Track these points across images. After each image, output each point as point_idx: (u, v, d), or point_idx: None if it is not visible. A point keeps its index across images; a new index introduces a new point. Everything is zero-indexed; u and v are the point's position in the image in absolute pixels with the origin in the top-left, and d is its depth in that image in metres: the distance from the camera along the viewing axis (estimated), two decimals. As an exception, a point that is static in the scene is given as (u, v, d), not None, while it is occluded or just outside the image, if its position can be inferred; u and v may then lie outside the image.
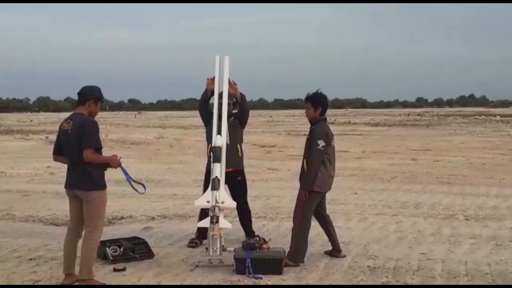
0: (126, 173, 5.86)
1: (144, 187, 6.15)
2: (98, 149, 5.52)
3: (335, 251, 6.68)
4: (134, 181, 5.93)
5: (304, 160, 6.43)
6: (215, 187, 6.26)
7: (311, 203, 6.42)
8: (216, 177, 6.34)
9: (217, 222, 6.07)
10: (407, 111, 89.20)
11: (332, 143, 6.46)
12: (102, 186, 5.57)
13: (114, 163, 5.63)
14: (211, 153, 6.67)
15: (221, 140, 6.66)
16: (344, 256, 6.60)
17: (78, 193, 5.57)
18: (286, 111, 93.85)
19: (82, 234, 5.63)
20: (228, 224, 6.34)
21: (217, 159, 6.51)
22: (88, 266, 5.50)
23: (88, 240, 5.51)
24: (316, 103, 6.45)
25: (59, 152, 5.71)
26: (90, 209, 5.51)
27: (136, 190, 5.97)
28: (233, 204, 6.44)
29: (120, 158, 5.74)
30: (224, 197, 6.29)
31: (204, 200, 6.33)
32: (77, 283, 5.58)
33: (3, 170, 15.73)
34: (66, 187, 5.73)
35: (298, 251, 6.32)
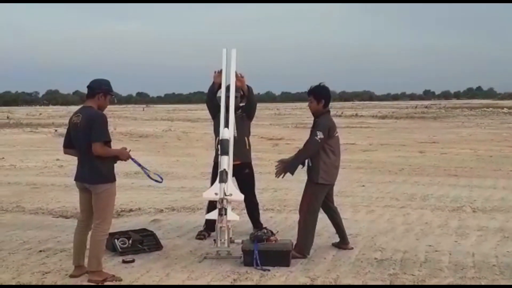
0: (139, 165, 5.94)
1: (161, 178, 6.20)
2: (107, 142, 5.56)
3: (342, 243, 6.71)
4: (148, 170, 6.01)
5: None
6: (223, 180, 6.28)
7: (318, 195, 6.44)
8: (224, 169, 6.36)
9: (225, 214, 6.11)
10: (415, 104, 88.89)
11: (336, 135, 6.47)
12: (111, 178, 5.62)
13: (123, 156, 5.69)
14: (219, 146, 6.70)
15: (228, 133, 6.68)
16: (352, 248, 6.63)
17: (88, 185, 5.62)
18: (294, 104, 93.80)
19: (91, 226, 5.68)
20: (236, 216, 6.37)
21: (225, 152, 6.53)
22: (97, 258, 5.55)
23: (97, 232, 5.56)
24: (319, 96, 6.44)
25: (69, 145, 5.75)
26: (99, 201, 5.56)
27: (154, 180, 6.06)
28: (241, 196, 6.47)
29: (130, 150, 5.79)
30: (232, 189, 6.32)
31: (212, 192, 6.35)
32: (86, 275, 5.64)
33: (12, 163, 15.84)
34: (76, 179, 5.80)
35: (305, 243, 6.34)
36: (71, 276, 5.72)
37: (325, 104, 6.47)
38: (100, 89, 5.67)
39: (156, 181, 6.11)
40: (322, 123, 6.36)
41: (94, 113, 5.57)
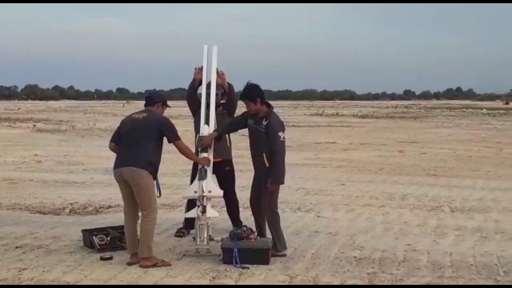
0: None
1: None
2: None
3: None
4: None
5: (264, 154, 6.27)
6: (202, 177, 6.27)
7: (277, 194, 6.43)
8: (203, 166, 6.35)
9: (204, 211, 6.09)
10: (395, 104, 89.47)
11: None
12: (152, 171, 6.01)
13: (203, 162, 6.35)
14: (199, 143, 6.67)
15: (208, 130, 6.65)
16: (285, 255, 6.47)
17: (128, 171, 5.92)
18: (274, 102, 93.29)
19: (138, 214, 6.09)
20: (216, 213, 6.35)
21: (204, 149, 6.51)
22: (148, 245, 5.89)
23: (146, 222, 5.95)
24: (251, 96, 6.35)
25: (117, 141, 6.22)
26: (141, 192, 5.95)
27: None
28: (220, 192, 6.45)
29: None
30: (211, 186, 6.31)
31: (192, 190, 6.35)
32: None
33: (-11, 158, 15.62)
34: (116, 167, 6.14)
35: (281, 241, 6.32)
36: (128, 263, 5.96)
37: (262, 101, 6.35)
38: (160, 99, 6.38)
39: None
40: (277, 123, 6.30)
41: (163, 117, 6.29)
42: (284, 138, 6.23)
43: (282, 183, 6.33)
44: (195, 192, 6.24)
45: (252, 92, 6.38)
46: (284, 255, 6.24)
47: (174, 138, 6.22)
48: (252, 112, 6.43)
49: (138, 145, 6.02)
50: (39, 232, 7.28)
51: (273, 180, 6.27)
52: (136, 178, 5.91)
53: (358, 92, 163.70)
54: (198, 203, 6.19)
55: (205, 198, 6.17)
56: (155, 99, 6.38)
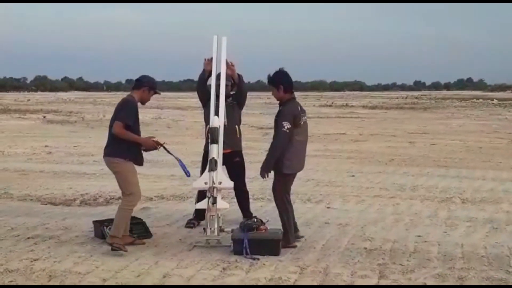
0: (174, 156, 6.66)
1: (189, 173, 6.64)
2: (128, 126, 6.09)
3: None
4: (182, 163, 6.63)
5: None
6: (213, 168, 6.27)
7: (286, 185, 6.42)
8: (213, 158, 6.35)
9: (214, 203, 6.10)
10: (405, 94, 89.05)
11: (302, 122, 6.32)
12: (123, 155, 6.12)
13: (146, 144, 6.31)
14: (209, 134, 6.67)
15: (218, 121, 6.64)
16: (302, 237, 6.56)
17: (105, 162, 6.25)
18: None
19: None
20: (226, 204, 6.36)
21: (215, 140, 6.50)
22: (116, 225, 6.10)
23: (121, 204, 6.29)
24: (277, 82, 6.32)
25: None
26: (117, 177, 6.24)
27: (184, 171, 6.59)
28: (231, 184, 6.46)
29: (155, 138, 6.39)
30: (221, 177, 6.31)
31: (202, 181, 6.35)
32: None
33: (0, 149, 15.72)
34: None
35: (289, 232, 6.32)
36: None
37: (285, 90, 6.32)
38: (147, 83, 6.35)
39: (185, 172, 6.59)
40: (286, 112, 6.25)
41: (124, 98, 6.33)
42: (288, 129, 6.15)
43: (267, 171, 6.28)
44: (206, 183, 6.25)
45: (277, 79, 6.35)
46: (295, 246, 6.24)
47: (115, 117, 6.18)
48: (276, 99, 6.43)
49: (109, 132, 6.26)
50: (50, 223, 7.32)
51: (262, 168, 6.30)
52: (111, 167, 6.25)
53: (367, 83, 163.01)
54: (208, 194, 6.19)
55: (215, 189, 6.17)
56: (143, 82, 6.36)
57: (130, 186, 6.19)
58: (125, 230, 6.26)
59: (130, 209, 6.25)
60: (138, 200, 6.37)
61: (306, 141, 6.51)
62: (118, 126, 6.09)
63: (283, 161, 6.26)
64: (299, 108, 6.38)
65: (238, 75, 7.27)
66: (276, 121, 6.32)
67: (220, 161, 6.43)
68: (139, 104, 6.35)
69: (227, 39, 7.17)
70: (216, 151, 6.43)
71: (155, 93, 6.48)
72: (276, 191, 6.45)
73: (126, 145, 6.14)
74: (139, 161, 6.35)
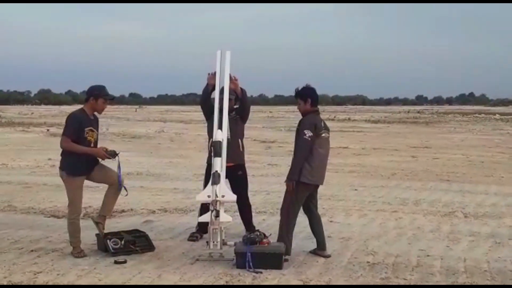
0: (119, 167, 6.65)
1: (126, 191, 6.77)
2: (72, 139, 6.31)
3: (319, 249, 6.57)
4: (122, 178, 6.72)
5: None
6: (215, 182, 6.28)
7: (298, 195, 6.38)
8: (216, 171, 6.37)
9: (218, 216, 6.11)
10: (407, 109, 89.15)
11: (324, 135, 6.39)
12: (70, 170, 6.37)
13: (97, 154, 6.44)
14: (212, 148, 6.69)
15: (221, 135, 6.67)
16: (329, 256, 6.47)
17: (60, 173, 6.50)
18: (286, 107, 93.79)
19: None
20: (229, 218, 6.37)
21: (218, 154, 6.52)
22: (69, 238, 6.50)
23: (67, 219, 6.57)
24: (305, 96, 6.43)
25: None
26: (65, 188, 6.51)
27: (120, 187, 6.68)
28: (234, 197, 6.46)
29: (116, 153, 6.49)
30: (224, 190, 6.32)
31: (205, 195, 6.36)
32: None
33: (4, 162, 15.76)
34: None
35: (285, 245, 6.28)
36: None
37: (312, 103, 6.44)
38: (90, 94, 6.47)
39: (121, 189, 6.70)
40: (307, 121, 6.34)
41: (71, 113, 6.55)
42: (309, 137, 6.22)
43: (296, 179, 6.28)
44: (209, 196, 6.26)
45: (307, 92, 6.46)
46: (286, 260, 6.16)
47: (62, 132, 6.44)
48: (300, 111, 6.51)
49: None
50: (54, 236, 7.33)
51: (287, 177, 6.34)
52: (61, 177, 6.51)
53: (370, 97, 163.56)
54: (211, 207, 6.20)
55: (218, 202, 6.19)
56: (88, 94, 6.53)
57: (69, 200, 6.49)
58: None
59: (73, 221, 6.48)
60: (77, 213, 6.54)
61: (327, 155, 6.52)
62: (64, 140, 6.35)
63: (302, 169, 6.28)
64: (323, 123, 6.45)
65: (241, 89, 7.31)
66: (297, 130, 6.39)
67: (223, 174, 6.45)
68: (97, 113, 6.64)
69: (230, 53, 7.21)
70: (219, 165, 6.45)
71: (106, 100, 6.56)
72: (285, 199, 6.46)
73: (71, 158, 6.37)
74: (85, 172, 6.51)
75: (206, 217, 6.28)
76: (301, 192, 6.38)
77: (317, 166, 6.34)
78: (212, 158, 6.57)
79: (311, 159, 6.28)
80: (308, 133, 6.22)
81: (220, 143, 6.57)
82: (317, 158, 6.32)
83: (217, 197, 6.19)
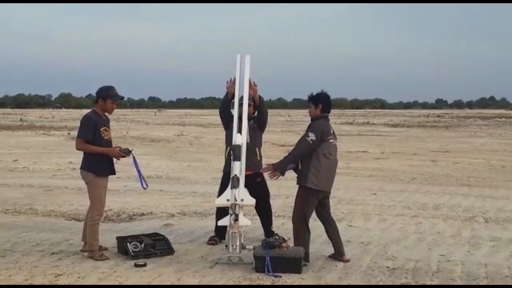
0: (136, 165, 6.81)
1: (146, 185, 6.98)
2: (87, 140, 6.44)
3: (337, 255, 6.53)
4: (142, 176, 6.90)
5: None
6: (235, 185, 6.29)
7: (308, 201, 6.34)
8: (236, 175, 6.38)
9: (237, 220, 6.12)
10: (427, 112, 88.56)
11: (331, 141, 6.35)
12: (94, 170, 6.47)
13: (112, 154, 6.52)
14: (231, 151, 6.70)
15: (241, 139, 6.67)
16: (348, 261, 6.43)
17: (80, 172, 6.65)
18: (305, 111, 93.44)
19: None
20: (248, 222, 6.38)
21: (237, 157, 6.53)
22: (89, 241, 6.50)
23: (88, 219, 6.62)
24: (317, 101, 6.44)
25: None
26: (88, 189, 6.58)
27: (142, 183, 6.86)
28: (253, 201, 6.46)
29: (129, 150, 6.60)
30: (243, 194, 6.33)
31: (224, 198, 6.37)
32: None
33: (26, 165, 15.95)
34: None
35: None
36: (81, 250, 6.72)
37: (322, 109, 6.43)
38: (98, 95, 6.61)
39: (142, 185, 6.91)
40: (315, 125, 6.33)
41: (84, 115, 6.64)
42: (311, 140, 6.20)
43: (278, 171, 6.39)
44: (228, 200, 6.28)
45: (319, 97, 6.47)
46: (305, 265, 6.14)
47: (77, 135, 6.58)
48: (310, 115, 6.51)
49: None
50: (74, 239, 7.39)
51: (273, 164, 6.45)
52: (84, 178, 6.61)
53: (389, 100, 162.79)
54: (230, 211, 6.22)
55: (237, 206, 6.20)
56: (97, 95, 6.65)
57: (94, 200, 6.55)
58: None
59: (96, 222, 6.55)
60: (101, 214, 6.68)
61: (335, 163, 6.47)
62: (78, 143, 6.51)
63: (308, 175, 6.25)
64: (331, 129, 6.44)
65: (260, 96, 7.31)
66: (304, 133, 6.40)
67: (242, 178, 6.45)
68: (107, 114, 6.74)
69: (250, 57, 7.21)
70: (239, 169, 6.45)
71: (115, 100, 6.67)
72: (295, 206, 6.45)
73: (95, 159, 6.46)
74: (110, 172, 6.65)
75: (225, 221, 6.29)
76: (311, 199, 6.35)
77: (324, 173, 6.30)
78: (232, 161, 6.58)
79: (318, 165, 6.25)
80: (311, 136, 6.21)
81: (239, 147, 6.57)
82: (324, 165, 6.28)
83: (236, 200, 6.21)
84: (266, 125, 7.50)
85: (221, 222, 6.46)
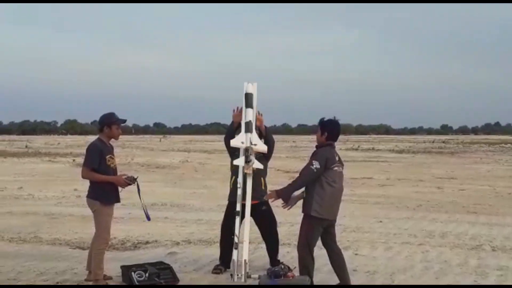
0: (139, 193, 6.75)
1: (149, 218, 7.01)
2: (93, 169, 6.42)
3: (342, 284, 6.45)
4: (144, 205, 6.84)
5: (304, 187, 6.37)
6: (249, 130, 6.62)
7: (312, 229, 6.27)
8: (250, 120, 6.70)
9: (250, 160, 6.44)
10: (432, 138, 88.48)
11: (336, 169, 6.30)
12: (99, 199, 6.45)
13: (118, 182, 6.52)
14: (244, 99, 6.93)
15: (252, 88, 6.99)
16: None
17: (86, 200, 6.62)
18: (310, 136, 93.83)
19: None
20: (260, 165, 6.71)
21: (250, 105, 6.86)
22: (93, 268, 6.45)
23: (93, 247, 6.58)
24: (323, 128, 6.43)
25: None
26: (94, 218, 6.55)
27: (145, 213, 6.88)
28: (265, 147, 6.90)
29: (135, 178, 6.61)
30: (256, 140, 6.64)
31: (239, 141, 6.65)
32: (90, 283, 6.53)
33: (31, 193, 15.96)
34: None
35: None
36: (86, 279, 6.68)
37: (328, 137, 6.40)
38: (103, 123, 6.62)
39: (146, 215, 6.94)
40: (320, 153, 6.30)
41: (90, 143, 6.62)
42: (316, 168, 6.15)
43: (281, 197, 6.39)
44: (242, 143, 6.56)
45: (326, 125, 6.46)
46: None
47: (83, 163, 6.56)
48: (316, 141, 6.55)
49: None
50: (79, 268, 7.36)
51: (276, 191, 6.45)
52: (90, 207, 6.59)
53: (394, 126, 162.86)
54: (236, 239, 6.22)
55: (250, 149, 6.49)
56: (100, 124, 6.68)
57: (101, 229, 6.52)
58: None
59: (101, 251, 6.52)
60: (106, 243, 6.68)
61: (340, 190, 6.41)
62: (84, 171, 6.49)
63: (312, 203, 6.20)
64: (337, 157, 6.39)
65: (265, 126, 7.34)
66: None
67: (253, 124, 6.79)
68: (112, 141, 6.77)
69: (257, 85, 7.25)
70: (251, 114, 6.83)
71: (119, 124, 6.70)
72: (300, 234, 6.41)
73: (102, 188, 6.46)
74: (116, 200, 6.65)
75: (240, 161, 6.57)
76: (315, 227, 6.29)
77: (328, 201, 6.24)
78: (244, 109, 6.89)
79: (322, 193, 6.19)
80: (315, 164, 6.17)
81: (251, 95, 6.92)
82: (328, 193, 6.22)
83: (250, 144, 6.52)
84: (271, 154, 7.50)
85: (236, 162, 6.71)
